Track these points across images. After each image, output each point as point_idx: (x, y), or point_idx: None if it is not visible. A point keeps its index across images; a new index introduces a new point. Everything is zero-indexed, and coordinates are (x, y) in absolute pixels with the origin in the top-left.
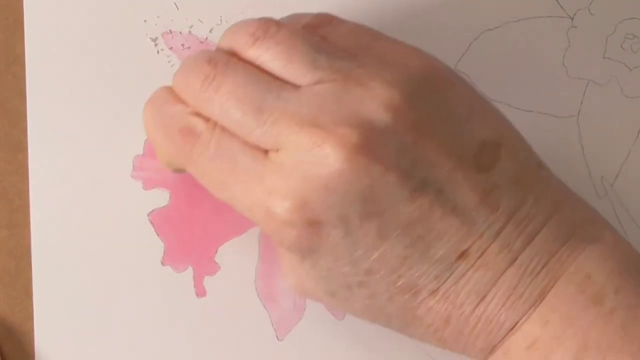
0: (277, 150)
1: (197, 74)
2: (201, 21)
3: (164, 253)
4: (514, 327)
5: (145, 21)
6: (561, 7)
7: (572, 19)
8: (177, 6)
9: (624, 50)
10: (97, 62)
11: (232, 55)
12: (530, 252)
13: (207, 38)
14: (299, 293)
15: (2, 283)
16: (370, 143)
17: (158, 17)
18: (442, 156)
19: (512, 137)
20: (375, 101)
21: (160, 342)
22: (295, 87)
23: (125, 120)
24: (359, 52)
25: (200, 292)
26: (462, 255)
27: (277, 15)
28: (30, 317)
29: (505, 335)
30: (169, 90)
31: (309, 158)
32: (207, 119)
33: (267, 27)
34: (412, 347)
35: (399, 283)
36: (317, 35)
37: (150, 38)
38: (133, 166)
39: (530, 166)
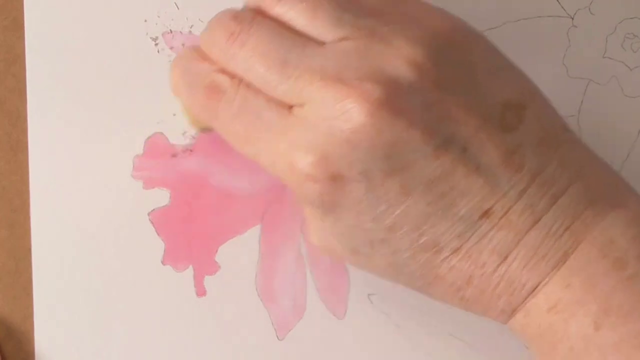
0: (301, 105)
1: (223, 31)
2: (201, 21)
3: (164, 253)
4: (535, 288)
5: (145, 21)
6: (561, 6)
7: (573, 18)
8: (177, 6)
9: (624, 49)
10: (98, 62)
11: (258, 13)
12: (554, 213)
13: None
14: (322, 250)
15: (2, 283)
16: (393, 98)
17: (158, 16)
18: (467, 114)
19: (537, 99)
20: (399, 58)
21: (160, 342)
22: (320, 43)
23: (125, 120)
24: (384, 11)
25: (200, 292)
26: (485, 214)
27: None
28: (30, 317)
29: (527, 297)
30: (196, 48)
31: (333, 113)
32: (232, 76)
33: None
34: (412, 347)
35: (422, 240)
36: None
37: (150, 38)
38: (133, 166)
39: (555, 128)
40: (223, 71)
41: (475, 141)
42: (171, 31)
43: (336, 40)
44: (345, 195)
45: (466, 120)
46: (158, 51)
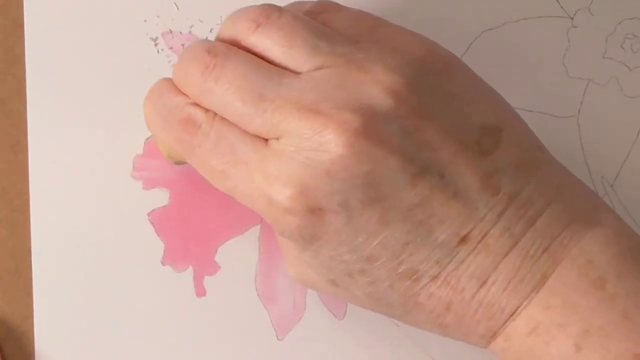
0: (278, 138)
1: (197, 64)
2: (201, 21)
3: (164, 253)
4: (515, 311)
5: (145, 21)
6: (561, 7)
7: (572, 18)
8: (177, 6)
9: (624, 50)
10: (97, 62)
11: (233, 44)
12: (532, 235)
13: (207, 38)
14: (301, 283)
15: (2, 283)
16: (371, 128)
17: (158, 17)
18: (444, 140)
19: (513, 121)
20: (376, 86)
21: (160, 342)
22: (296, 73)
23: (125, 120)
24: (361, 38)
25: (200, 292)
26: (463, 239)
27: None
28: (30, 317)
29: (507, 321)
30: (169, 81)
31: (310, 144)
32: (207, 110)
33: (269, 12)
34: (412, 347)
35: (400, 269)
36: (318, 21)
37: (150, 38)
38: (133, 166)
39: (532, 150)
40: (198, 105)
41: (452, 167)
42: (171, 31)
43: (312, 69)
44: (324, 228)
45: (443, 146)
46: (158, 51)
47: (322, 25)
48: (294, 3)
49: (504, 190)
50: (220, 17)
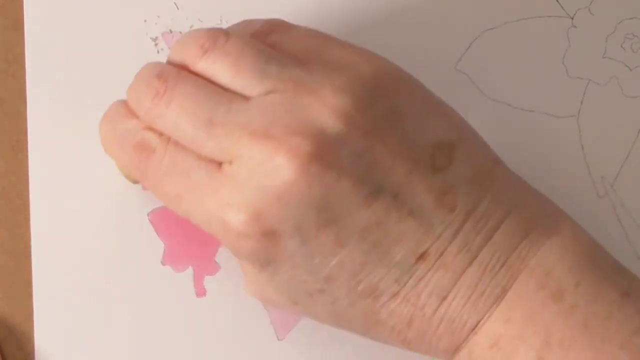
0: (230, 163)
1: (148, 90)
2: (201, 21)
3: (164, 253)
4: (476, 326)
5: (145, 21)
6: (561, 7)
7: (572, 18)
8: (177, 6)
9: (624, 50)
10: (97, 62)
11: (183, 68)
12: (490, 249)
13: None
14: (262, 301)
15: (2, 283)
16: (322, 151)
17: (158, 17)
18: (397, 160)
19: (467, 136)
20: (326, 109)
21: (160, 342)
22: (246, 98)
23: None
24: (310, 58)
25: (200, 292)
26: (421, 257)
27: (279, 14)
28: (30, 317)
29: (468, 335)
30: (124, 104)
31: (262, 169)
32: (161, 134)
33: (216, 37)
34: None
35: (359, 288)
36: (267, 43)
37: (150, 38)
38: None
39: (487, 164)
40: (152, 128)
41: (406, 186)
42: (171, 31)
43: (262, 93)
44: (280, 250)
45: (396, 166)
46: (158, 51)
47: (269, 49)
48: (243, 23)
49: (460, 206)
50: (220, 17)
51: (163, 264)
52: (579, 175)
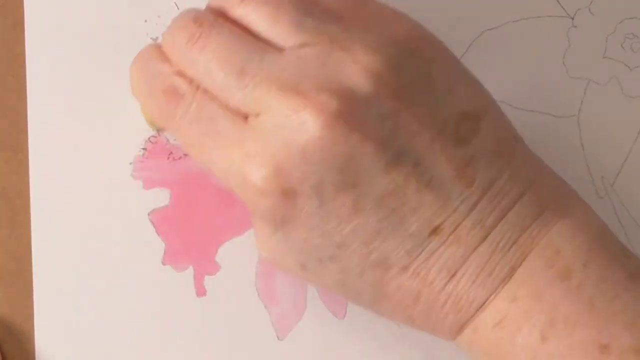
0: (257, 115)
1: (183, 33)
2: None
3: (164, 253)
4: (483, 304)
5: (145, 21)
6: (561, 6)
7: (572, 18)
8: (177, 6)
9: (624, 50)
10: (98, 62)
11: (220, 15)
12: (502, 228)
13: None
14: (271, 264)
15: (2, 283)
16: (349, 111)
17: (158, 16)
18: (422, 126)
19: (492, 110)
20: (357, 67)
21: (160, 342)
22: (280, 49)
23: (126, 120)
24: (347, 15)
25: (200, 292)
26: (435, 230)
27: None
28: (30, 317)
29: (474, 314)
30: (157, 47)
31: (288, 123)
32: (191, 80)
33: None
34: (414, 347)
35: (371, 258)
36: None
37: (150, 38)
38: (133, 166)
39: (508, 139)
40: (182, 74)
41: (428, 154)
42: None
43: (296, 46)
44: (297, 211)
45: (421, 133)
46: None
47: (307, 2)
48: None
49: (478, 181)
50: None
51: (163, 264)
52: (579, 175)
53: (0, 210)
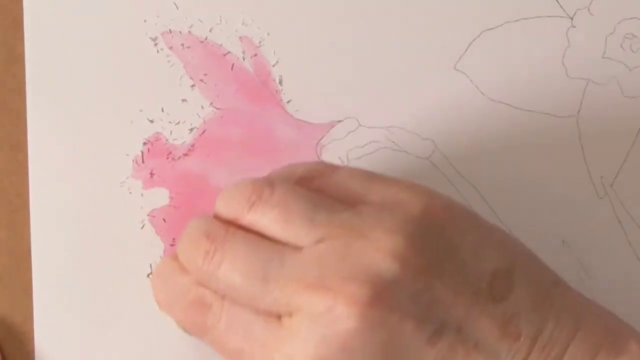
0: (290, 316)
1: (197, 250)
2: (201, 21)
3: (164, 253)
4: None
5: (145, 21)
6: (561, 7)
7: (572, 18)
8: (176, 6)
9: (624, 50)
10: (97, 61)
11: (230, 223)
12: None
13: (206, 38)
14: None
15: (2, 283)
16: (381, 296)
17: (158, 16)
18: (456, 295)
19: (524, 261)
20: (380, 252)
21: (160, 342)
22: (298, 248)
23: (125, 120)
24: (357, 200)
25: None
26: None
27: (279, 14)
28: (30, 317)
29: None
30: (174, 260)
31: (323, 321)
32: (215, 289)
33: (261, 190)
34: None
35: None
36: (312, 188)
37: (150, 38)
38: (133, 166)
39: (546, 286)
40: (205, 284)
41: (468, 320)
42: (170, 31)
43: (313, 242)
44: None
45: (456, 302)
46: (157, 51)
47: (316, 195)
48: (285, 168)
49: (524, 334)
50: (220, 16)
51: None
52: (579, 175)
53: (0, 210)
